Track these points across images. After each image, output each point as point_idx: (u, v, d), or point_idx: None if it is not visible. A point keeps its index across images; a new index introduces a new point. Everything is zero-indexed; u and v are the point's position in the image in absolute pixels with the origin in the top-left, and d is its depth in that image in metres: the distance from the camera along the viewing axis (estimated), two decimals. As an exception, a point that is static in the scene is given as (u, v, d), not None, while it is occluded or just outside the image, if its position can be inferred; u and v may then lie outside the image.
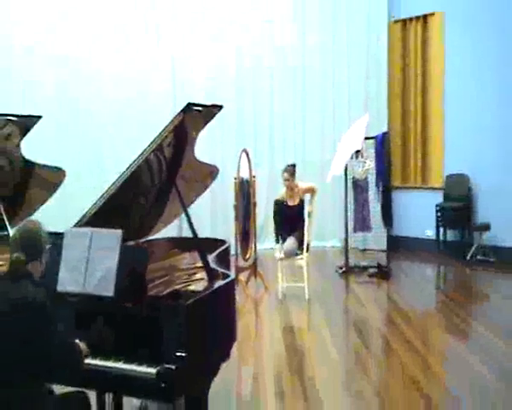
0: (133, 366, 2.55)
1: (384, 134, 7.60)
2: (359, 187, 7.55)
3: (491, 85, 7.86)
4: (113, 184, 2.96)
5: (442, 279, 7.89)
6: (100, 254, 2.74)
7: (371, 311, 6.03)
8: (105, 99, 8.06)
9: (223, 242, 3.83)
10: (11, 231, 3.70)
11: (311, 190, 6.44)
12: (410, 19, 8.70)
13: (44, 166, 4.38)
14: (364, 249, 8.63)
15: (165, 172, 3.19)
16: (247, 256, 6.86)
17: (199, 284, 3.11)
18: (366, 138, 7.24)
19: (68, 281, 2.75)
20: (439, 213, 8.21)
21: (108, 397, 3.07)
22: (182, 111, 2.86)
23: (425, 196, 8.53)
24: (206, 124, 3.23)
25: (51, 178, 4.42)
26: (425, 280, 7.50)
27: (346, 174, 7.28)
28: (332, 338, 5.13)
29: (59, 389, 2.73)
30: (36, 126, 4.21)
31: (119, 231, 2.75)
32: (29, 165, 4.30)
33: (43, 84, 7.72)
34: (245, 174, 6.88)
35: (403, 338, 5.04)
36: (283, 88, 8.92)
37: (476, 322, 5.59)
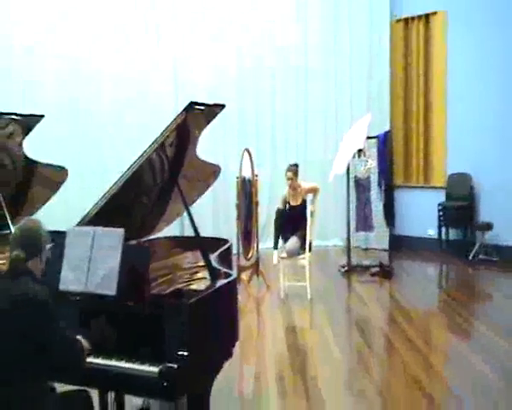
0: (135, 365, 2.55)
1: (386, 133, 7.61)
2: (361, 186, 7.57)
3: (494, 84, 7.85)
4: (115, 183, 2.96)
5: (444, 279, 7.88)
6: (102, 253, 2.74)
7: (373, 310, 6.03)
8: (105, 99, 8.06)
9: (225, 241, 3.83)
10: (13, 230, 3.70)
11: (314, 190, 6.44)
12: (412, 18, 8.68)
13: (47, 164, 4.39)
14: (366, 248, 8.62)
15: (167, 171, 3.19)
16: (249, 255, 6.86)
17: (201, 283, 3.11)
18: (368, 137, 7.24)
19: (71, 280, 2.76)
20: (441, 213, 8.19)
21: (110, 396, 3.08)
22: (184, 110, 2.87)
23: (427, 196, 8.52)
24: (208, 123, 3.23)
25: (54, 177, 4.43)
26: (427, 279, 7.49)
27: (348, 173, 7.27)
28: (334, 337, 5.13)
29: (61, 387, 2.74)
30: (36, 126, 4.22)
31: (121, 230, 2.75)
32: (31, 164, 4.31)
33: (43, 84, 7.71)
34: (247, 173, 6.89)
35: (405, 337, 5.04)
36: (285, 88, 8.91)
37: (478, 321, 5.58)
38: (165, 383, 2.45)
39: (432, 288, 7.14)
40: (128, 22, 8.19)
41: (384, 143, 7.38)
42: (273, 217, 6.53)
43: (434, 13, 8.45)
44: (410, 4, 8.72)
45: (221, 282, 2.95)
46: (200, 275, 3.27)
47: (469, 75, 8.09)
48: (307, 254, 6.19)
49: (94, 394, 2.88)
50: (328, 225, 8.79)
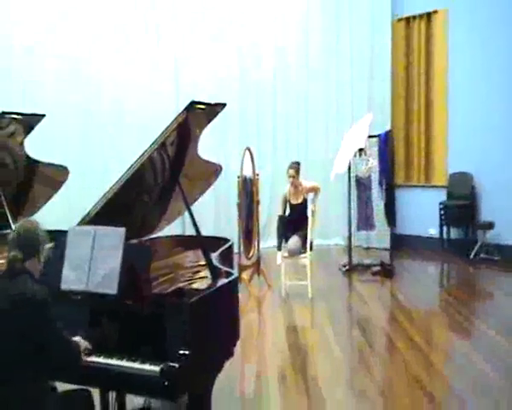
0: (136, 364, 2.55)
1: (387, 132, 7.59)
2: (363, 185, 7.55)
3: (495, 83, 7.84)
4: (117, 182, 2.97)
5: (445, 278, 7.88)
6: (103, 252, 2.74)
7: (374, 309, 6.03)
8: (105, 99, 8.06)
9: (226, 240, 3.83)
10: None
11: (315, 190, 6.45)
12: (414, 17, 8.68)
13: (48, 164, 4.40)
14: (368, 248, 8.63)
15: (168, 170, 3.19)
16: (250, 254, 6.86)
17: (202, 282, 3.11)
18: (369, 136, 7.23)
19: (72, 279, 2.76)
20: (442, 212, 8.19)
21: (112, 395, 3.08)
22: (185, 109, 2.87)
23: (428, 195, 8.52)
24: (209, 122, 3.23)
25: (55, 177, 4.45)
26: (428, 278, 7.49)
27: (349, 172, 7.27)
28: (335, 336, 5.13)
29: (62, 386, 2.74)
30: (36, 126, 4.22)
31: (122, 230, 2.76)
32: (32, 163, 4.32)
33: (43, 84, 7.70)
34: (248, 173, 6.89)
35: (406, 336, 5.04)
36: (286, 87, 8.91)
37: (479, 320, 5.58)
38: (166, 383, 2.45)
39: (433, 287, 7.14)
40: (128, 22, 8.19)
41: (385, 142, 7.36)
42: (274, 216, 6.55)
43: (435, 12, 8.45)
44: (411, 3, 8.71)
45: (222, 281, 2.95)
46: (201, 274, 3.27)
47: (470, 74, 8.09)
48: (308, 253, 6.20)
49: (95, 393, 2.88)
50: (329, 224, 8.79)
